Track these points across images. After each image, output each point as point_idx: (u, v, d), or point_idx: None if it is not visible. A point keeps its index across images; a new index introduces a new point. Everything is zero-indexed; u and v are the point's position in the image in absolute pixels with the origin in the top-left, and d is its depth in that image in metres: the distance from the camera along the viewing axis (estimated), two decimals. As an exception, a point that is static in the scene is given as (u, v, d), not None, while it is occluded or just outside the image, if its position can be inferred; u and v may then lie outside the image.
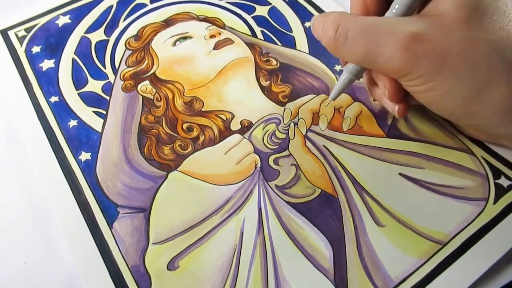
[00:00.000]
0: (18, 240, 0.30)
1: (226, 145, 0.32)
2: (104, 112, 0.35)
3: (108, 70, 0.38)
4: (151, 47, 0.39)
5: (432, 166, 0.31)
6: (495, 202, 0.29)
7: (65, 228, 0.29)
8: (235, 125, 0.34)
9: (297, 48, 0.39)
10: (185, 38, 0.39)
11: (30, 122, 0.34)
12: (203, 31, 0.40)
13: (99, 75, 0.37)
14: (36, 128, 0.34)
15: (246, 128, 0.33)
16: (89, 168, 0.32)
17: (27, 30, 0.41)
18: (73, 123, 0.34)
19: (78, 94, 0.36)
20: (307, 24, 0.41)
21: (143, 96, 0.36)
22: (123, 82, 0.37)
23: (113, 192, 0.30)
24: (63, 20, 0.42)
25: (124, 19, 0.41)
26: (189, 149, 0.32)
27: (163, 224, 0.29)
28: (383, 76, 0.28)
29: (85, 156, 0.32)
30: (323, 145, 0.32)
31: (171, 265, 0.27)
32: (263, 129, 0.33)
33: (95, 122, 0.34)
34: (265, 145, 0.32)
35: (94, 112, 0.35)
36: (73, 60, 0.39)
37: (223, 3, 0.42)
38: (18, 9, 0.43)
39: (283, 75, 0.37)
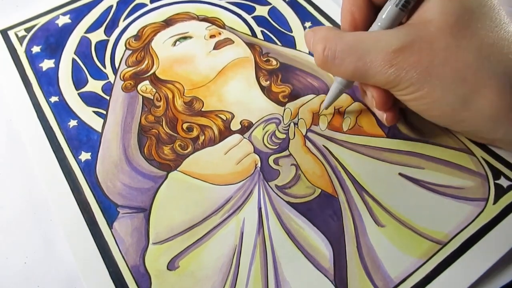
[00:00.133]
0: (18, 240, 0.30)
1: (226, 145, 0.32)
2: (104, 112, 0.35)
3: (108, 70, 0.38)
4: (151, 47, 0.39)
5: (432, 166, 0.31)
6: (495, 202, 0.29)
7: (65, 228, 0.29)
8: (235, 125, 0.34)
9: (297, 48, 0.39)
10: (185, 38, 0.39)
11: (30, 122, 0.34)
12: (203, 31, 0.40)
13: (99, 75, 0.37)
14: (36, 128, 0.34)
15: (246, 128, 0.33)
16: (89, 168, 0.32)
17: (27, 30, 0.41)
18: (73, 123, 0.34)
19: (78, 94, 0.36)
20: (307, 24, 0.41)
21: (143, 96, 0.36)
22: (123, 82, 0.37)
23: (113, 192, 0.30)
24: (63, 20, 0.42)
25: (124, 19, 0.41)
26: (189, 149, 0.32)
27: (163, 224, 0.29)
28: (371, 87, 0.29)
29: (85, 156, 0.32)
30: (323, 145, 0.32)
31: (171, 265, 0.27)
32: (263, 129, 0.33)
33: (95, 122, 0.34)
34: (265, 145, 0.32)
35: (94, 112, 0.35)
36: (73, 60, 0.38)
37: (223, 3, 0.42)
38: (18, 9, 0.43)
39: (283, 75, 0.37)
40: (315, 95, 0.35)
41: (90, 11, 0.42)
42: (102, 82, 0.37)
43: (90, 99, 0.36)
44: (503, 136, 0.28)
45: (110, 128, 0.34)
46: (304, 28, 0.40)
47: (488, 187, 0.30)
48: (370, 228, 0.28)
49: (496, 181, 0.30)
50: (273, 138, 0.33)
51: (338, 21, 0.40)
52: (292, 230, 0.28)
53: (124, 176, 0.31)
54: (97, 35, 0.40)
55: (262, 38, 0.40)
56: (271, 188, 0.30)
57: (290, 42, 0.39)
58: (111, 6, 0.42)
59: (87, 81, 0.37)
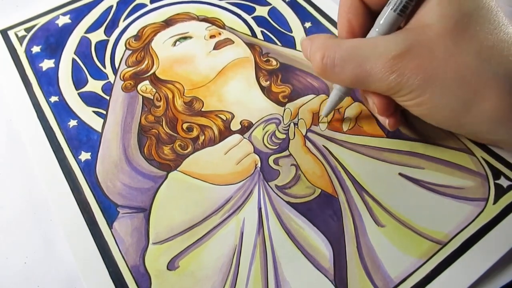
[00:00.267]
0: (18, 240, 0.30)
1: (226, 145, 0.32)
2: (104, 112, 0.35)
3: (108, 70, 0.38)
4: (151, 47, 0.39)
5: (432, 166, 0.31)
6: (495, 202, 0.29)
7: (65, 228, 0.29)
8: (235, 125, 0.34)
9: (297, 48, 0.39)
10: (185, 38, 0.39)
11: (30, 122, 0.34)
12: (203, 31, 0.40)
13: (99, 75, 0.37)
14: (36, 128, 0.34)
15: (246, 128, 0.33)
16: (89, 168, 0.32)
17: (27, 30, 0.41)
18: (73, 123, 0.34)
19: (78, 94, 0.36)
20: (307, 24, 0.41)
21: (143, 96, 0.36)
22: (123, 82, 0.37)
23: (113, 192, 0.30)
24: (63, 20, 0.42)
25: (124, 19, 0.41)
26: (189, 149, 0.32)
27: (163, 224, 0.29)
28: (371, 93, 0.29)
29: (85, 156, 0.32)
30: (323, 145, 0.32)
31: (171, 265, 0.27)
32: (263, 129, 0.33)
33: (95, 122, 0.34)
34: (265, 145, 0.32)
35: (94, 112, 0.35)
36: (73, 60, 0.39)
37: (223, 3, 0.43)
38: (18, 9, 0.43)
39: (283, 75, 0.37)
40: (315, 95, 0.35)
41: (90, 11, 0.42)
42: (102, 82, 0.37)
43: (90, 99, 0.36)
44: (505, 138, 0.28)
45: (110, 128, 0.34)
46: (304, 28, 0.40)
47: (488, 187, 0.30)
48: (370, 228, 0.28)
49: (496, 181, 0.30)
50: (273, 138, 0.33)
51: (338, 21, 0.40)
52: (292, 230, 0.28)
53: (124, 176, 0.31)
54: (97, 35, 0.40)
55: (262, 38, 0.40)
56: (271, 188, 0.30)
57: (290, 42, 0.39)
58: (111, 6, 0.42)
59: (87, 81, 0.37)
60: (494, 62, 0.25)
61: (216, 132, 0.33)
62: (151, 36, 0.40)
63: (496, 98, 0.25)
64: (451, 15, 0.25)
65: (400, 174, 0.31)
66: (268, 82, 0.36)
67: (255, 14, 0.42)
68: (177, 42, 0.39)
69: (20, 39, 0.40)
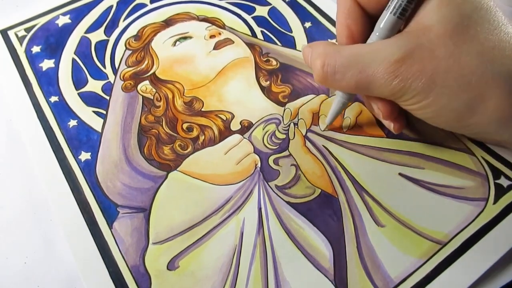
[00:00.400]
0: (18, 240, 0.30)
1: (226, 145, 0.32)
2: (104, 112, 0.35)
3: (108, 70, 0.38)
4: (151, 47, 0.39)
5: (432, 166, 0.31)
6: (495, 202, 0.29)
7: (65, 228, 0.29)
8: (235, 125, 0.34)
9: (297, 48, 0.39)
10: (185, 38, 0.39)
11: (30, 122, 0.34)
12: (203, 31, 0.40)
13: (99, 75, 0.37)
14: (36, 128, 0.34)
15: (246, 128, 0.33)
16: (89, 168, 0.32)
17: (27, 30, 0.41)
18: (73, 123, 0.34)
19: (78, 94, 0.36)
20: (307, 24, 0.41)
21: (143, 96, 0.36)
22: (123, 82, 0.37)
23: (113, 192, 0.30)
24: (63, 20, 0.42)
25: (124, 19, 0.41)
26: (189, 149, 0.32)
27: (163, 224, 0.29)
28: (376, 98, 0.29)
29: (85, 156, 0.32)
30: (323, 145, 0.32)
31: (171, 265, 0.27)
32: (263, 129, 0.33)
33: (95, 122, 0.34)
34: (265, 145, 0.32)
35: (94, 112, 0.35)
36: (73, 60, 0.39)
37: (223, 3, 0.43)
38: (18, 9, 0.43)
39: (283, 75, 0.37)
40: (315, 95, 0.35)
41: (90, 11, 0.42)
42: (102, 82, 0.37)
43: (90, 99, 0.36)
44: (510, 138, 0.28)
45: (110, 128, 0.34)
46: (304, 28, 0.40)
47: (488, 186, 0.30)
48: (370, 228, 0.28)
49: (496, 181, 0.30)
50: (273, 138, 0.33)
51: (338, 21, 0.40)
52: (292, 230, 0.28)
53: (124, 176, 0.31)
54: (97, 35, 0.40)
55: (262, 38, 0.40)
56: (271, 188, 0.30)
57: (290, 42, 0.39)
58: (111, 6, 0.42)
59: (87, 81, 0.37)
60: (496, 63, 0.25)
61: (216, 132, 0.33)
62: (151, 36, 0.40)
63: (500, 99, 0.25)
64: (450, 16, 0.25)
65: (400, 174, 0.31)
66: (268, 82, 0.36)
67: (255, 14, 0.42)
68: (177, 42, 0.39)
69: (20, 39, 0.40)
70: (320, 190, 0.30)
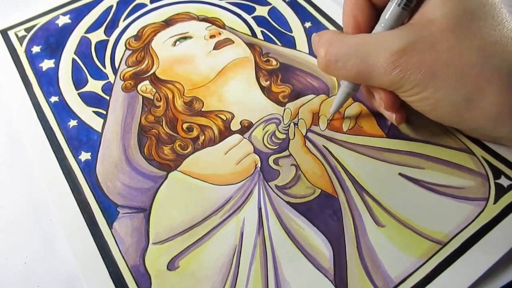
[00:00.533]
0: (18, 240, 0.30)
1: (226, 145, 0.32)
2: (104, 112, 0.35)
3: (108, 70, 0.38)
4: (151, 47, 0.39)
5: (432, 166, 0.31)
6: (495, 202, 0.29)
7: (65, 228, 0.29)
8: (235, 125, 0.34)
9: (297, 48, 0.39)
10: (185, 38, 0.39)
11: (30, 122, 0.34)
12: (203, 31, 0.40)
13: (99, 75, 0.37)
14: (36, 128, 0.34)
15: (246, 128, 0.33)
16: (89, 168, 0.32)
17: (27, 30, 0.41)
18: (73, 123, 0.34)
19: (78, 94, 0.36)
20: (307, 24, 0.41)
21: (143, 96, 0.36)
22: (123, 82, 0.37)
23: (113, 192, 0.30)
24: (63, 20, 0.42)
25: (124, 19, 0.41)
26: (189, 149, 0.32)
27: (163, 224, 0.29)
28: (378, 88, 0.29)
29: (85, 156, 0.32)
30: (323, 145, 0.32)
31: (171, 265, 0.27)
32: (263, 129, 0.33)
33: (95, 122, 0.34)
34: (265, 145, 0.32)
35: (94, 112, 0.35)
36: (73, 60, 0.39)
37: (223, 3, 0.43)
38: (18, 9, 0.43)
39: (283, 75, 0.37)
40: (315, 95, 0.35)
41: (90, 11, 0.42)
42: (102, 82, 0.37)
43: (90, 99, 0.36)
44: (508, 134, 0.28)
45: (110, 128, 0.34)
46: (304, 28, 0.40)
47: (489, 186, 0.30)
48: (370, 228, 0.28)
49: (497, 181, 0.30)
50: (273, 138, 0.33)
51: (338, 21, 0.40)
52: (292, 230, 0.28)
53: (124, 176, 0.31)
54: (97, 35, 0.40)
55: (262, 38, 0.40)
56: (271, 188, 0.30)
57: (290, 42, 0.39)
58: (111, 6, 0.42)
59: (87, 81, 0.37)
60: (496, 58, 0.25)
61: (216, 132, 0.33)
62: (151, 36, 0.40)
63: (498, 94, 0.25)
64: (454, 10, 0.25)
65: (400, 174, 0.31)
66: (268, 82, 0.36)
67: (255, 14, 0.42)
68: (177, 42, 0.39)
69: (20, 39, 0.40)
70: (320, 190, 0.30)
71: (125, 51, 0.39)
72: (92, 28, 0.41)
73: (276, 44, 0.39)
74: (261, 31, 0.40)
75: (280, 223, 0.29)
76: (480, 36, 0.25)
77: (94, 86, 0.37)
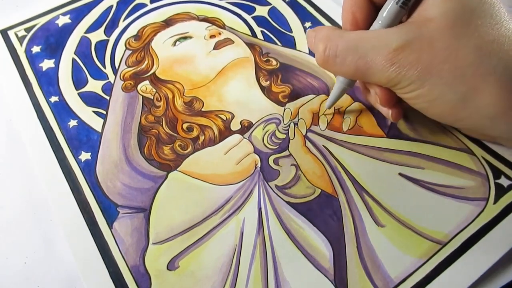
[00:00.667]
0: (18, 240, 0.30)
1: (226, 145, 0.32)
2: (104, 112, 0.35)
3: (108, 70, 0.38)
4: (151, 47, 0.39)
5: (432, 166, 0.31)
6: (495, 202, 0.29)
7: (65, 228, 0.29)
8: (235, 125, 0.34)
9: (297, 48, 0.39)
10: (185, 38, 0.39)
11: (30, 122, 0.34)
12: (203, 31, 0.40)
13: (99, 75, 0.37)
14: (36, 128, 0.34)
15: (246, 128, 0.33)
16: (89, 168, 0.32)
17: (27, 30, 0.41)
18: (73, 123, 0.34)
19: (78, 94, 0.36)
20: (307, 24, 0.41)
21: (143, 96, 0.36)
22: (123, 82, 0.37)
23: (113, 192, 0.30)
24: (63, 20, 0.42)
25: (124, 19, 0.41)
26: (189, 149, 0.32)
27: (163, 224, 0.29)
28: (374, 84, 0.29)
29: (85, 156, 0.32)
30: (323, 145, 0.32)
31: (171, 265, 0.27)
32: (263, 129, 0.33)
33: (95, 122, 0.34)
34: (265, 145, 0.32)
35: (94, 112, 0.35)
36: (73, 60, 0.39)
37: (223, 3, 0.42)
38: (18, 9, 0.43)
39: (283, 75, 0.37)
40: (315, 95, 0.35)
41: (90, 11, 0.42)
42: (102, 82, 0.37)
43: (90, 99, 0.36)
44: (504, 133, 0.28)
45: (110, 128, 0.34)
46: (304, 28, 0.40)
47: (489, 186, 0.30)
48: (370, 228, 0.28)
49: (497, 181, 0.30)
50: (273, 138, 0.33)
51: (338, 21, 0.40)
52: (292, 230, 0.28)
53: (124, 176, 0.31)
54: (97, 35, 0.40)
55: (262, 38, 0.40)
56: (271, 188, 0.30)
57: (290, 42, 0.39)
58: (111, 6, 0.42)
59: (87, 81, 0.37)
60: (494, 57, 0.25)
61: (216, 132, 0.33)
62: (151, 36, 0.40)
63: (494, 93, 0.25)
64: (453, 9, 0.25)
65: (400, 174, 0.31)
66: (268, 82, 0.36)
67: (255, 14, 0.42)
68: (177, 42, 0.39)
69: (20, 39, 0.40)
70: (320, 190, 0.30)
71: (125, 51, 0.39)
72: (92, 28, 0.41)
73: (276, 44, 0.39)
74: (261, 31, 0.40)
75: (280, 223, 0.29)
76: (478, 35, 0.25)
77: (94, 86, 0.37)
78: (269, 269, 0.27)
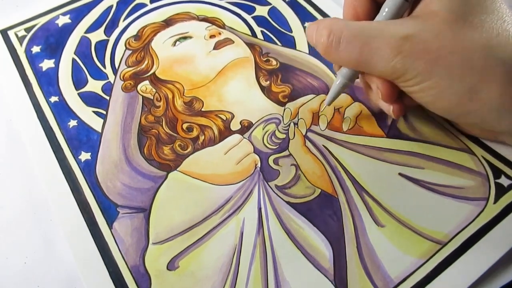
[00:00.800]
0: (18, 240, 0.30)
1: (226, 145, 0.32)
2: (104, 112, 0.35)
3: (108, 70, 0.38)
4: (151, 47, 0.39)
5: (432, 166, 0.31)
6: (495, 201, 0.29)
7: (65, 228, 0.29)
8: (235, 125, 0.34)
9: (297, 48, 0.39)
10: (185, 38, 0.39)
11: (30, 122, 0.34)
12: (203, 31, 0.40)
13: (99, 75, 0.37)
14: (36, 128, 0.34)
15: (246, 128, 0.33)
16: (89, 168, 0.32)
17: (27, 30, 0.41)
18: (73, 123, 0.34)
19: (78, 94, 0.36)
20: (307, 24, 0.40)
21: (143, 96, 0.36)
22: (123, 82, 0.37)
23: (113, 192, 0.30)
24: (63, 20, 0.42)
25: (124, 19, 0.41)
26: (189, 149, 0.32)
27: (163, 224, 0.29)
28: (376, 78, 0.29)
29: (85, 156, 0.32)
30: (323, 145, 0.32)
31: (171, 265, 0.27)
32: (263, 129, 0.33)
33: (95, 122, 0.34)
34: (265, 145, 0.32)
35: (94, 112, 0.35)
36: (73, 60, 0.39)
37: (223, 3, 0.42)
38: (18, 9, 0.43)
39: (283, 75, 0.37)
40: (315, 95, 0.35)
41: (90, 11, 0.42)
42: (102, 82, 0.37)
43: (90, 99, 0.36)
44: (508, 128, 0.28)
45: (110, 128, 0.34)
46: (304, 28, 0.40)
47: (489, 186, 0.30)
48: (370, 228, 0.28)
49: (497, 180, 0.30)
50: (273, 138, 0.33)
51: (338, 21, 0.40)
52: (292, 230, 0.28)
53: (124, 176, 0.31)
54: (97, 35, 0.40)
55: (262, 38, 0.40)
56: (271, 188, 0.30)
57: (290, 42, 0.39)
58: (111, 6, 0.42)
59: (87, 81, 0.37)
60: (500, 50, 0.25)
61: (216, 132, 0.33)
62: (151, 36, 0.40)
63: (501, 85, 0.25)
64: (457, 4, 0.25)
65: (400, 174, 0.31)
66: (268, 82, 0.36)
67: (255, 14, 0.42)
68: (177, 42, 0.39)
69: (20, 39, 0.40)
70: (320, 190, 0.30)
71: (125, 51, 0.39)
72: (92, 28, 0.41)
73: (276, 44, 0.39)
74: (261, 31, 0.40)
75: (280, 223, 0.29)
76: (483, 29, 0.25)
77: (94, 86, 0.37)
78: (269, 269, 0.27)
